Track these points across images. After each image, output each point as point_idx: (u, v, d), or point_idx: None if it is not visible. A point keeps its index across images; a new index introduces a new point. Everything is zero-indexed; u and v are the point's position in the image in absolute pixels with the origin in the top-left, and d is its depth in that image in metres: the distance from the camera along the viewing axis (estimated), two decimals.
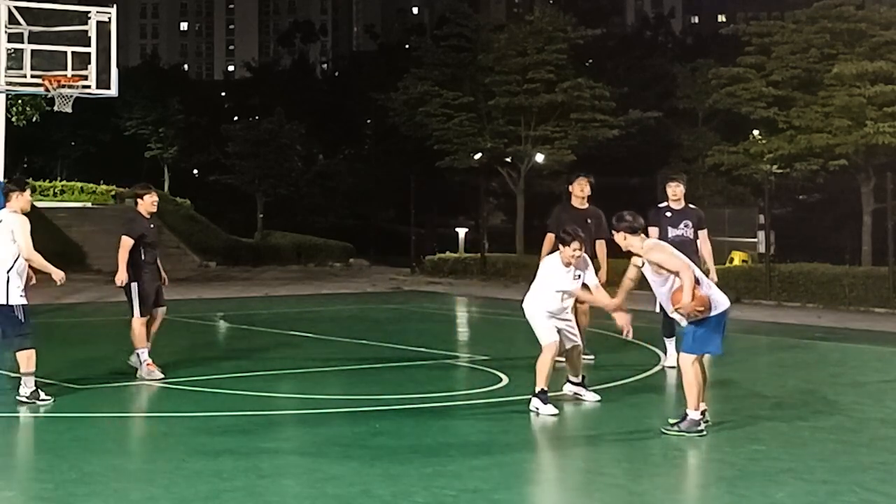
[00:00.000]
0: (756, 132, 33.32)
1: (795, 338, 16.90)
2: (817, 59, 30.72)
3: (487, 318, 20.56)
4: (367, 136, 59.66)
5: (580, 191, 12.57)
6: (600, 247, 12.38)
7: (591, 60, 46.34)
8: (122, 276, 11.45)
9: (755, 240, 31.47)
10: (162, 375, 11.55)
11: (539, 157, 36.49)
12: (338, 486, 7.23)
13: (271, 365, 12.95)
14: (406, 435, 8.84)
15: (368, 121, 58.09)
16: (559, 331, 10.03)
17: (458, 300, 24.35)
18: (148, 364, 11.58)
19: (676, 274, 8.89)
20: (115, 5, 17.10)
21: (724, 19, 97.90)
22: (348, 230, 46.86)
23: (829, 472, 7.74)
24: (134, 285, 11.57)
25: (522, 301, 10.26)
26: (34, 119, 29.08)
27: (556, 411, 9.69)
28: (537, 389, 9.76)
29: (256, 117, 51.09)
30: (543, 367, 9.79)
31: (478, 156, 37.38)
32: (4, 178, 17.31)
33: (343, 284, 28.78)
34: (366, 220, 52.49)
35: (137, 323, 11.57)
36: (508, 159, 37.65)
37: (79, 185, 44.86)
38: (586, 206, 12.70)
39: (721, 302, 9.01)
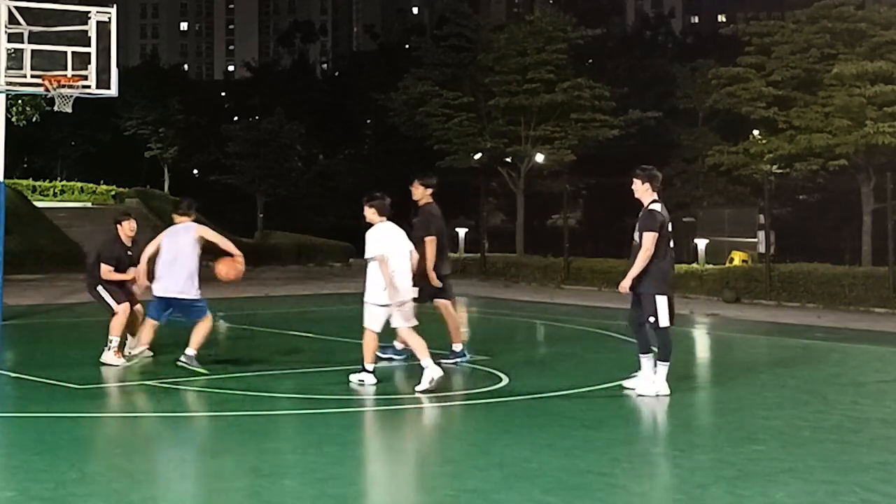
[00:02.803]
0: (756, 132, 33.34)
1: (795, 338, 16.90)
2: (817, 59, 30.73)
3: (487, 318, 20.54)
4: (367, 136, 59.65)
5: (414, 194, 12.73)
6: (429, 243, 12.50)
7: (591, 60, 46.35)
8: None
9: (755, 240, 31.48)
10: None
11: (539, 157, 36.51)
12: (338, 486, 7.22)
13: (271, 365, 12.94)
14: (406, 435, 8.84)
15: (368, 121, 58.09)
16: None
17: (457, 300, 24.28)
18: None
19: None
20: (115, 5, 17.07)
21: (724, 19, 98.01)
22: (348, 230, 46.71)
23: (829, 472, 7.74)
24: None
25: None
26: (34, 119, 29.10)
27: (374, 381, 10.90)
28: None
29: (256, 117, 51.10)
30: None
31: (478, 156, 37.39)
32: (5, 177, 17.29)
33: (343, 284, 28.75)
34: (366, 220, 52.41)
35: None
36: (508, 159, 37.67)
37: (79, 185, 44.92)
38: (424, 203, 12.72)
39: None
